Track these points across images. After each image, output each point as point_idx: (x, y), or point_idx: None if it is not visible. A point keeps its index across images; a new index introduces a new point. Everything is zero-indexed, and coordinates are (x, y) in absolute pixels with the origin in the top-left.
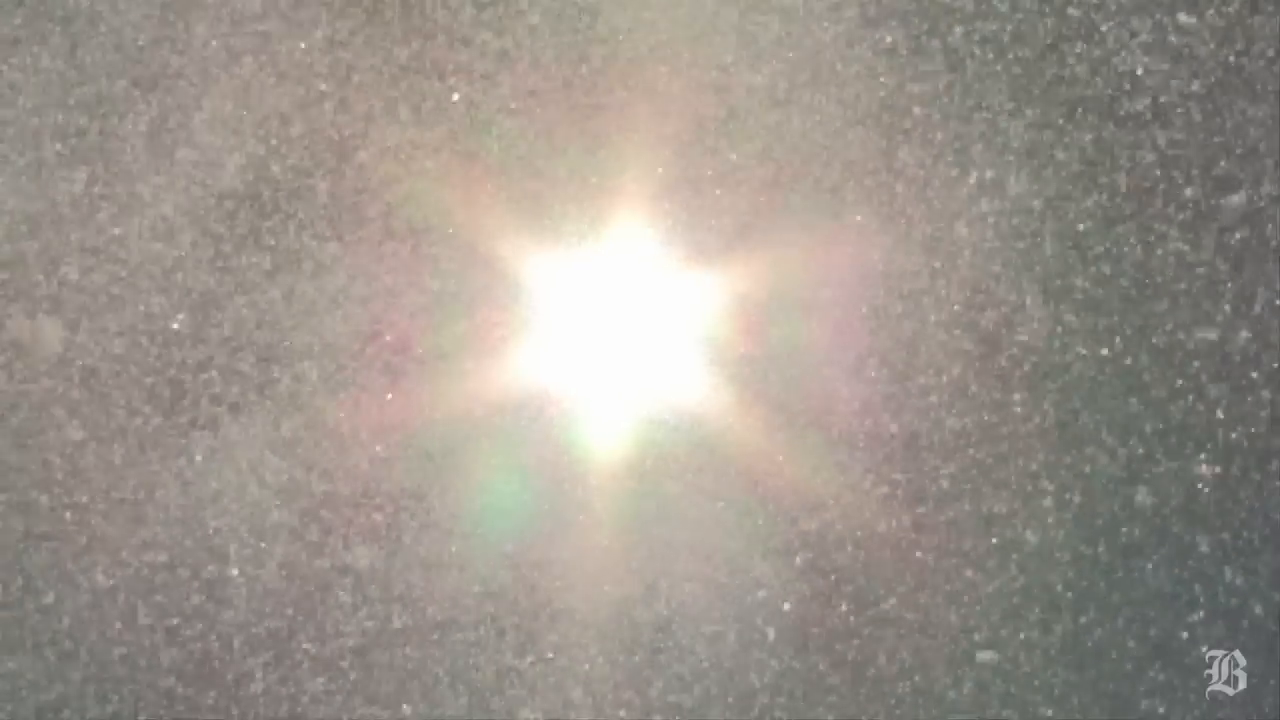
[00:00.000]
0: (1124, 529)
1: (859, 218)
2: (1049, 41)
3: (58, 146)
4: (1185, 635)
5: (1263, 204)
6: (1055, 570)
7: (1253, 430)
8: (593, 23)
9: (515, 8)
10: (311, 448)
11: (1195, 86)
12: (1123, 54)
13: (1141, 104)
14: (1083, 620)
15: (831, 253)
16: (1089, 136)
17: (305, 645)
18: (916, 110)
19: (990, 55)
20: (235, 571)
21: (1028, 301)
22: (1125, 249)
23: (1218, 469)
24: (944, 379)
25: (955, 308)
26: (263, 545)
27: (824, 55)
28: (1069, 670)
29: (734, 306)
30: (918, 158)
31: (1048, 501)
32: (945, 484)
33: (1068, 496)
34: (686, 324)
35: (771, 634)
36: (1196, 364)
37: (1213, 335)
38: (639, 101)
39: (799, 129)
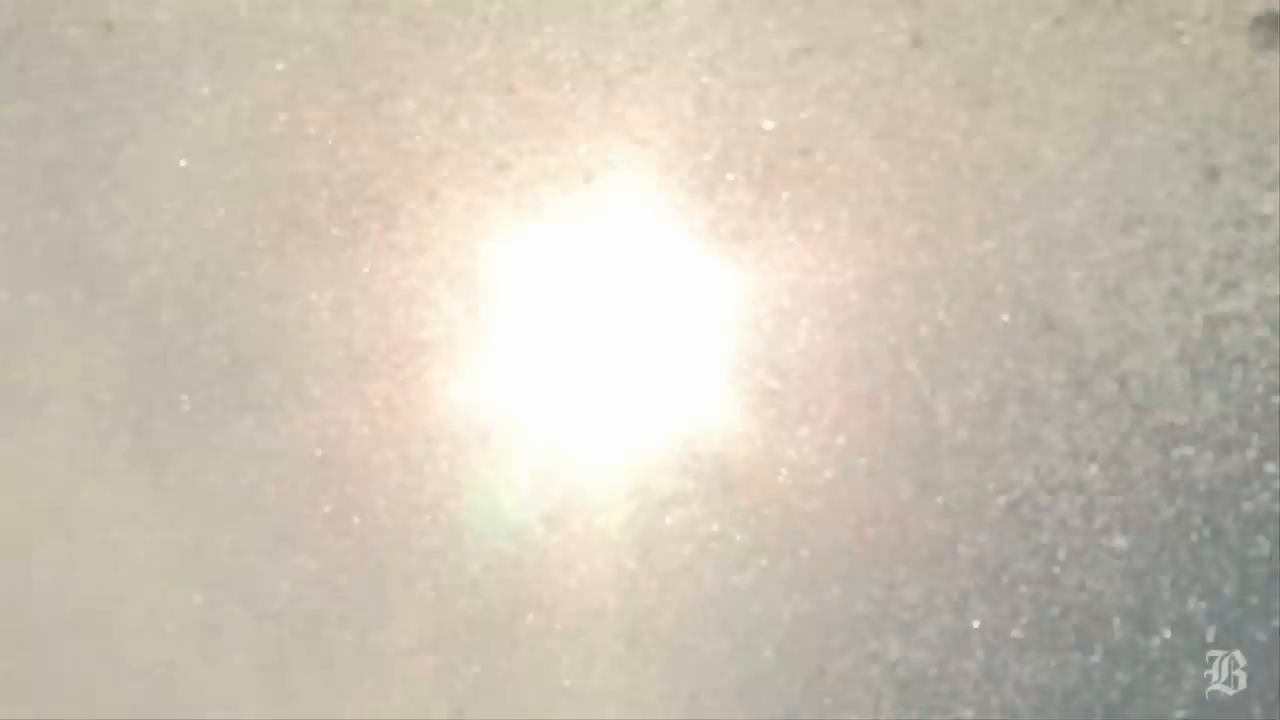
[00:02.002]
0: (1124, 528)
1: (862, 217)
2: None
3: (60, 150)
4: (1185, 635)
5: None
6: (1057, 573)
7: (1256, 426)
8: (593, 22)
9: (515, 9)
10: (310, 448)
11: None
12: None
13: None
14: (1082, 620)
15: (833, 254)
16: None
17: (302, 644)
18: (925, 109)
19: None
20: (232, 569)
21: (1041, 304)
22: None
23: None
24: (950, 383)
25: (966, 308)
26: (260, 544)
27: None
28: (1069, 669)
29: (732, 309)
30: (926, 156)
31: (1050, 505)
32: (948, 486)
33: (1070, 498)
34: (684, 327)
35: (770, 648)
36: (1213, 360)
37: (1240, 306)
38: (637, 101)
39: (802, 127)
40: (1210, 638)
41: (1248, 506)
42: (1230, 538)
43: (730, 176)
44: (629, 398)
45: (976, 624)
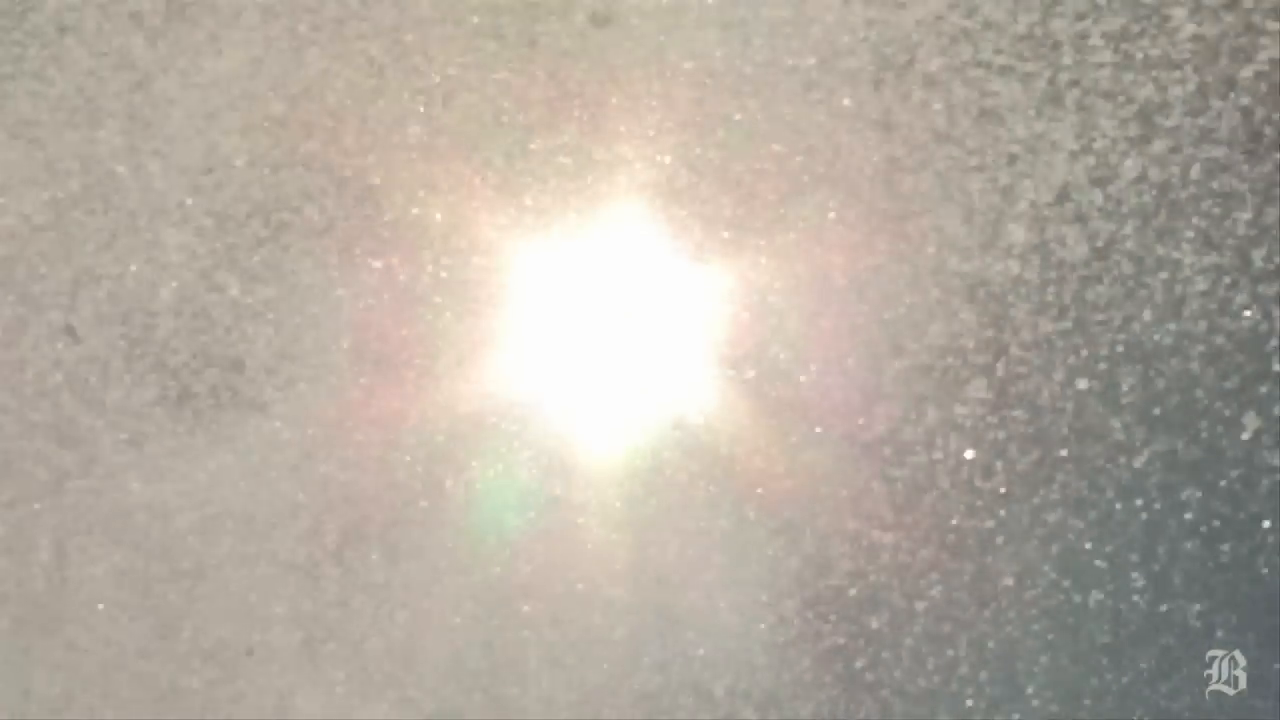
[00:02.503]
0: (1124, 528)
1: (859, 216)
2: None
3: (60, 143)
4: (1185, 635)
5: None
6: (1056, 571)
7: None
8: (590, 21)
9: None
10: (308, 448)
11: None
12: None
13: None
14: (1082, 620)
15: (832, 252)
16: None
17: (301, 643)
18: (918, 107)
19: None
20: (231, 570)
21: (1030, 300)
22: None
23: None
24: (944, 379)
25: (957, 307)
26: (257, 545)
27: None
28: (1069, 669)
29: (732, 307)
30: (919, 155)
31: (1048, 503)
32: (944, 484)
33: (1068, 497)
34: (684, 325)
35: (770, 638)
36: (1194, 366)
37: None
38: (638, 100)
39: (799, 127)
40: (1210, 638)
41: (1248, 504)
42: (1230, 537)
43: (724, 176)
44: (627, 395)
45: (974, 622)
